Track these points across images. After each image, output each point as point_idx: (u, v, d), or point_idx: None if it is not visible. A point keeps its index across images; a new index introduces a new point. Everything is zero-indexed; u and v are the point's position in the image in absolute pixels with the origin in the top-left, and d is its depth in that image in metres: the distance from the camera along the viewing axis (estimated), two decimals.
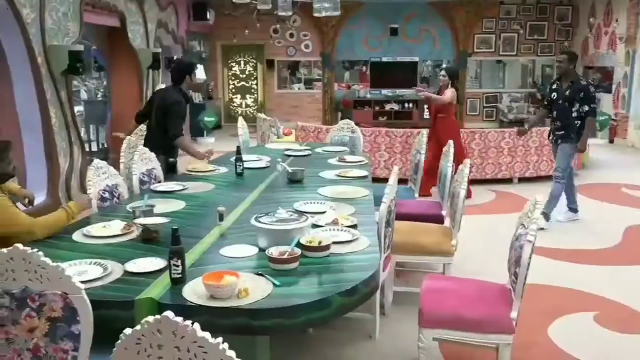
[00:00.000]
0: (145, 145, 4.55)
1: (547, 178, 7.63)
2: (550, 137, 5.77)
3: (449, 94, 6.33)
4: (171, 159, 4.75)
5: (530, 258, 2.53)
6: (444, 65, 6.96)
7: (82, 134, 6.56)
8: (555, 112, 5.60)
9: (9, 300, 1.94)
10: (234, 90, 13.92)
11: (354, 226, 2.92)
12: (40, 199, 5.29)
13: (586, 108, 5.36)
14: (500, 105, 13.28)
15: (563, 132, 5.51)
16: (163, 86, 7.67)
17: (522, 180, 7.58)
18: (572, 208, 5.86)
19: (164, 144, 4.61)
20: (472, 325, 2.66)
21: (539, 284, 4.08)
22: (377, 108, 12.62)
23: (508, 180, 7.51)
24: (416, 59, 12.75)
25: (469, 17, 12.69)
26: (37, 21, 5.21)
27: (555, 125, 5.63)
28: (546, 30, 13.01)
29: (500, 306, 2.72)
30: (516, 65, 13.36)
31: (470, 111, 13.38)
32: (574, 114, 5.41)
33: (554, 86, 5.67)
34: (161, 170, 4.36)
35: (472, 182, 6.41)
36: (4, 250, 1.92)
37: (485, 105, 13.46)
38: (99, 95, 9.13)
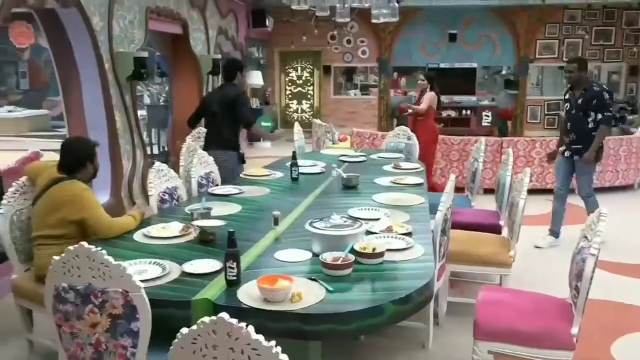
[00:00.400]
0: (210, 146, 4.87)
1: (612, 190, 7.33)
2: (563, 149, 5.23)
3: (428, 97, 6.51)
4: (241, 151, 5.10)
5: (593, 272, 2.43)
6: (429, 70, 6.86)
7: (144, 138, 6.78)
8: (569, 124, 5.14)
9: (73, 296, 2.02)
10: (290, 96, 14.06)
11: (408, 234, 2.89)
12: (104, 198, 5.49)
13: (600, 116, 4.92)
14: (562, 112, 12.83)
15: (580, 145, 5.03)
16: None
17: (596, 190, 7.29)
18: (554, 231, 5.39)
19: (232, 138, 4.98)
20: (530, 339, 2.58)
21: (601, 299, 3.91)
22: None
23: (570, 191, 7.21)
24: (475, 65, 12.52)
25: (530, 22, 12.35)
26: (105, 29, 5.42)
27: (570, 138, 5.13)
28: (613, 36, 12.50)
29: (560, 321, 2.62)
30: None
31: (531, 119, 12.99)
32: (590, 125, 4.96)
33: (567, 96, 5.21)
34: (218, 175, 4.47)
35: (532, 191, 6.22)
36: (70, 247, 2.01)
37: (546, 112, 13.04)
38: (161, 100, 9.43)
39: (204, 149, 4.70)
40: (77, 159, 3.14)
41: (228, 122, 4.91)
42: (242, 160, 5.09)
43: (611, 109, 5.06)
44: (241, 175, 4.63)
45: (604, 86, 5.13)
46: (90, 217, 2.94)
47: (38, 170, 3.25)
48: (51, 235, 2.99)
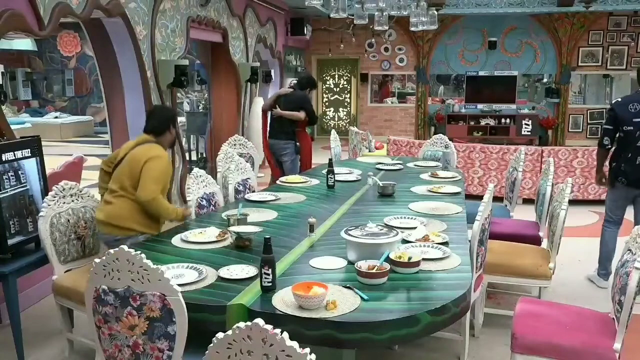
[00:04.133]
0: (275, 135, 6.21)
1: None
2: None
3: (313, 110, 6.55)
4: (298, 143, 6.24)
5: (638, 286, 2.36)
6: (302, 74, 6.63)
7: (183, 144, 6.90)
8: None
9: (113, 298, 2.07)
10: (327, 104, 14.11)
11: (445, 243, 2.85)
12: None
13: None
14: None
15: None
16: (257, 99, 8.29)
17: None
18: (603, 273, 4.57)
19: (292, 132, 6.17)
20: (571, 354, 2.51)
21: None
22: (472, 123, 12.29)
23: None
24: (515, 73, 12.31)
25: (574, 30, 12.09)
26: (148, 37, 5.56)
27: None
28: None
29: (602, 336, 2.55)
30: (625, 80, 12.53)
31: (573, 128, 12.70)
32: None
33: None
34: (255, 181, 4.53)
35: (573, 202, 6.08)
36: (111, 251, 2.06)
37: (589, 122, 12.73)
38: (200, 107, 9.58)
39: (269, 138, 6.31)
40: (161, 122, 3.51)
41: (289, 119, 6.09)
42: (297, 151, 6.20)
43: (605, 126, 4.37)
44: (278, 182, 4.66)
45: (619, 98, 4.37)
46: (146, 174, 3.26)
47: (123, 150, 3.53)
48: (127, 191, 3.32)
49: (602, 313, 2.80)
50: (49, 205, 3.24)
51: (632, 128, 4.13)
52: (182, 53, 6.31)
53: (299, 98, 6.21)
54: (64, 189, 3.35)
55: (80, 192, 3.46)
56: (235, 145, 5.49)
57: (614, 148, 4.37)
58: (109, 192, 3.40)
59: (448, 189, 4.17)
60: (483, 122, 12.15)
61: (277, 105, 6.21)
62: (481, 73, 12.44)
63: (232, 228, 2.97)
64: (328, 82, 13.98)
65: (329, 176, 4.32)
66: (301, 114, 6.20)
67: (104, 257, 2.08)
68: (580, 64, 12.43)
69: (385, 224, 3.07)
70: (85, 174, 5.13)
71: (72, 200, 3.40)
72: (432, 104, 13.14)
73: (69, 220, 3.34)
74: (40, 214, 3.21)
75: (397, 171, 5.11)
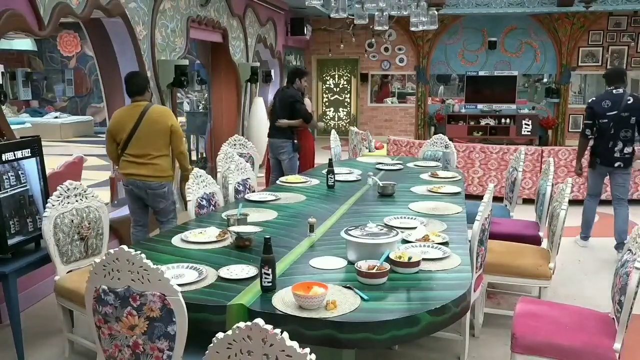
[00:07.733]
0: (273, 134, 6.21)
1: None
2: None
3: (308, 104, 6.61)
4: (296, 141, 6.19)
5: (638, 286, 2.36)
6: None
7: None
8: None
9: (113, 298, 2.07)
10: (327, 104, 14.10)
11: (445, 243, 2.85)
12: None
13: None
14: None
15: None
16: (260, 100, 8.33)
17: (631, 202, 7.06)
18: (583, 236, 5.61)
19: (288, 130, 6.13)
20: (570, 354, 2.51)
21: None
22: (471, 123, 12.29)
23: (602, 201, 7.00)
24: (515, 73, 12.31)
25: (574, 30, 12.09)
26: (148, 37, 5.56)
27: None
28: None
29: (602, 336, 2.55)
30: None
31: (573, 128, 12.69)
32: None
33: None
34: (255, 181, 4.53)
35: (573, 202, 6.07)
36: (111, 251, 2.05)
37: None
38: (200, 107, 9.58)
39: (268, 137, 6.33)
40: (142, 82, 4.18)
41: (286, 118, 6.08)
42: (295, 149, 6.18)
43: (586, 121, 5.25)
44: (278, 182, 4.66)
45: (594, 98, 5.30)
46: (176, 135, 4.11)
47: (120, 125, 4.14)
48: (162, 151, 4.12)
49: (602, 313, 2.80)
50: (53, 205, 3.23)
51: (606, 120, 5.08)
52: (182, 53, 6.30)
53: (290, 97, 6.13)
54: (68, 189, 3.34)
55: (85, 192, 3.44)
56: (235, 145, 5.49)
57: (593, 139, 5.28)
58: (141, 157, 4.08)
59: (448, 189, 4.17)
60: (483, 122, 12.15)
61: (275, 106, 6.24)
62: (481, 73, 12.44)
63: (232, 228, 2.97)
64: (328, 82, 13.98)
65: (329, 176, 4.31)
66: (297, 122, 6.15)
67: (103, 257, 2.08)
68: (580, 64, 12.43)
69: (385, 224, 3.07)
70: (85, 174, 5.14)
71: (77, 201, 3.39)
72: (432, 104, 13.13)
73: (72, 221, 3.33)
74: (44, 214, 3.21)
75: (397, 171, 5.11)
